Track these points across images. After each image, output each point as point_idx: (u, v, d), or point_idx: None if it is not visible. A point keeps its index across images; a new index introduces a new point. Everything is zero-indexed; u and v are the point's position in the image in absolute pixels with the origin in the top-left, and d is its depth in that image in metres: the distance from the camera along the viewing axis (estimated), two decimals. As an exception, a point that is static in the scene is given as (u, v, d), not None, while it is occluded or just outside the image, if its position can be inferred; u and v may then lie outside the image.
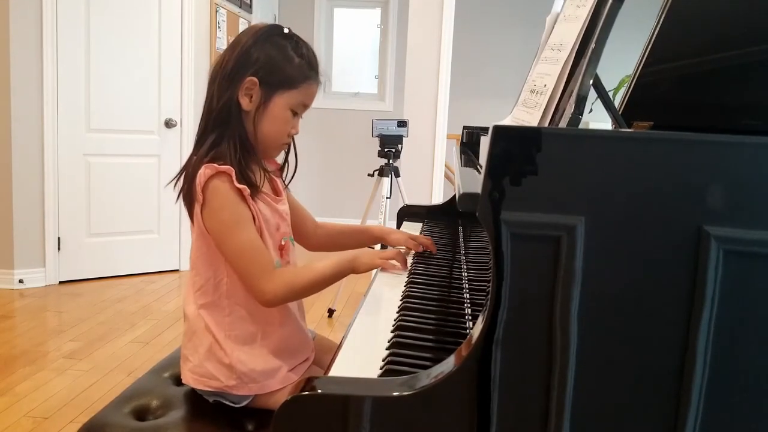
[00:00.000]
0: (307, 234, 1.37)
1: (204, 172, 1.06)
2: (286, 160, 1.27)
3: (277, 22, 5.33)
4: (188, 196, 1.11)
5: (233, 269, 1.10)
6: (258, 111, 1.12)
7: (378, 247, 2.38)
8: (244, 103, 1.12)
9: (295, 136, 1.21)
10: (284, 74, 1.12)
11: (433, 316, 0.99)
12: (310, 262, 1.14)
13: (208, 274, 1.13)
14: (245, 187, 1.08)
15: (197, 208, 1.09)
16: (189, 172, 1.11)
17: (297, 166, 1.27)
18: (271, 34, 1.13)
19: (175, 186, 1.15)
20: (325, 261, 1.15)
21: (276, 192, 1.23)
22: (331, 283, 1.14)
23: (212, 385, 1.12)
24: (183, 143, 3.81)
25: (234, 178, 1.06)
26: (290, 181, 1.29)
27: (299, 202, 1.35)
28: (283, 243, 1.19)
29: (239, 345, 1.12)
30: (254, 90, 1.11)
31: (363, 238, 1.43)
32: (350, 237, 1.43)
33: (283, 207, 1.22)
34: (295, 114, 1.16)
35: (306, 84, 1.15)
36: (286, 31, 1.15)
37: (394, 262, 1.23)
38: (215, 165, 1.06)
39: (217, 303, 1.13)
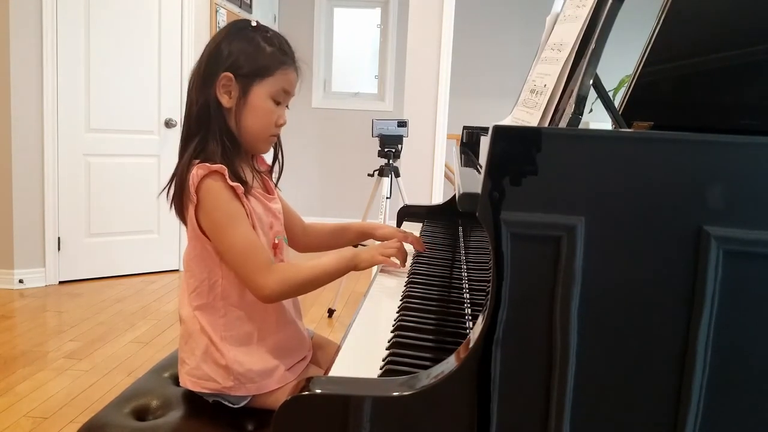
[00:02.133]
0: (296, 235, 1.37)
1: (197, 172, 1.06)
2: (275, 160, 1.27)
3: (276, 23, 5.33)
4: (179, 201, 1.12)
5: (230, 266, 1.10)
6: (239, 105, 1.12)
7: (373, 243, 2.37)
8: (224, 100, 1.11)
9: (285, 139, 1.22)
10: (258, 64, 1.11)
11: (433, 316, 0.99)
12: (309, 259, 1.14)
13: (203, 276, 1.13)
14: (238, 185, 1.08)
15: (191, 209, 1.09)
16: (178, 175, 1.11)
17: (283, 165, 1.26)
18: (239, 28, 1.14)
19: (168, 194, 1.15)
20: (326, 257, 1.14)
21: (268, 191, 1.23)
22: (331, 279, 1.13)
23: (210, 387, 1.12)
24: (183, 143, 3.81)
25: (227, 176, 1.07)
26: (278, 179, 1.28)
27: (288, 204, 1.35)
28: (276, 241, 1.19)
29: (235, 346, 1.12)
30: (231, 85, 1.11)
31: (350, 235, 1.43)
32: (338, 236, 1.43)
33: (276, 206, 1.22)
34: (279, 103, 1.15)
35: (281, 70, 1.13)
36: (254, 24, 1.15)
37: (394, 259, 1.23)
38: (207, 164, 1.06)
39: (212, 304, 1.13)
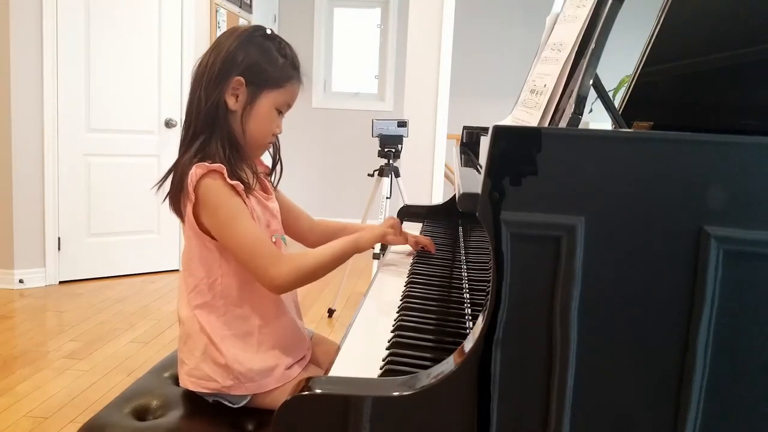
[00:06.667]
0: (303, 231, 1.39)
1: (195, 171, 1.07)
2: (274, 162, 1.27)
3: (276, 23, 5.33)
4: (176, 198, 1.12)
5: (240, 262, 1.11)
6: (245, 110, 1.14)
7: (377, 247, 2.38)
8: (231, 102, 1.13)
9: (286, 139, 1.23)
10: (269, 74, 1.14)
11: (433, 316, 0.99)
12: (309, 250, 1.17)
13: (202, 274, 1.13)
14: (238, 183, 1.09)
15: (189, 208, 1.10)
16: (177, 173, 1.11)
17: (282, 168, 1.28)
18: (254, 35, 1.15)
19: (159, 188, 1.16)
20: (330, 243, 1.18)
21: (265, 190, 1.24)
22: (340, 263, 1.16)
23: (210, 386, 1.12)
24: (183, 143, 3.81)
25: (226, 175, 1.07)
26: (278, 182, 1.30)
27: (292, 201, 1.36)
28: (274, 240, 1.20)
29: (235, 345, 1.12)
30: (240, 89, 1.13)
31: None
32: (347, 233, 1.43)
33: (273, 205, 1.23)
34: (280, 113, 1.19)
35: (290, 83, 1.17)
36: (268, 32, 1.17)
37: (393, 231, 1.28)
38: (206, 164, 1.07)
39: (211, 303, 1.13)
